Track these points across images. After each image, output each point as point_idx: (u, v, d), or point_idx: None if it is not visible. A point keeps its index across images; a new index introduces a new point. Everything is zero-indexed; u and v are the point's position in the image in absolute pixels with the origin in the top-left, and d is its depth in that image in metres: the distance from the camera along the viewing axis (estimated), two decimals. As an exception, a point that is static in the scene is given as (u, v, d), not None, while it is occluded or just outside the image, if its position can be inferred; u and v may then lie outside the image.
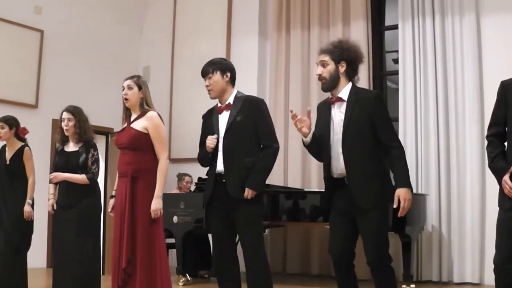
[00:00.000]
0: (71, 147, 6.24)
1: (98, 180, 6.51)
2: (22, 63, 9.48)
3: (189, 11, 10.80)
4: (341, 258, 4.49)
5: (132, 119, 5.49)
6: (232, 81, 5.15)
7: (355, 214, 4.39)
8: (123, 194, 5.36)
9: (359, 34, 9.24)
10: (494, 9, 8.50)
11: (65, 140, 6.30)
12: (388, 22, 9.91)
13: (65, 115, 6.22)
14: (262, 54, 10.22)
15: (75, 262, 6.02)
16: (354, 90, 4.53)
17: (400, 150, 4.43)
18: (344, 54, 4.54)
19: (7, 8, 9.31)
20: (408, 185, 4.37)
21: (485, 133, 8.07)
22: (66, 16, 9.97)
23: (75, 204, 6.09)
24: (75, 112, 6.25)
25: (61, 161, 6.22)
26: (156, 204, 5.25)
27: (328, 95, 4.64)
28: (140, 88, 5.50)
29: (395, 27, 9.30)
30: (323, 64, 4.53)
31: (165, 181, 5.44)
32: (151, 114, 5.46)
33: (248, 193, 4.86)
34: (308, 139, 4.53)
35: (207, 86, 5.07)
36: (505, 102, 4.26)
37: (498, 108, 4.33)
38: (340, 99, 4.49)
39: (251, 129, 5.02)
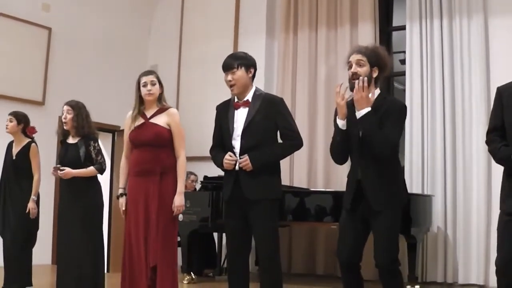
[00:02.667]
0: (71, 139, 6.29)
1: (103, 177, 6.54)
2: (29, 60, 9.50)
3: (197, 11, 10.81)
4: (348, 263, 4.49)
5: (149, 115, 5.47)
6: (254, 77, 5.08)
7: (368, 216, 4.39)
8: (148, 192, 5.35)
9: (366, 34, 9.23)
10: (502, 11, 8.48)
11: (65, 133, 6.34)
12: (395, 23, 9.90)
13: (65, 108, 6.28)
14: (270, 55, 10.23)
15: (80, 259, 6.04)
16: (383, 96, 4.52)
17: None
18: (380, 61, 4.53)
19: (15, 6, 9.34)
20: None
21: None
22: (74, 14, 10.00)
23: (79, 201, 6.11)
24: (75, 106, 6.29)
25: (61, 152, 6.30)
26: (180, 200, 5.29)
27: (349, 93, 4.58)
28: (160, 83, 5.51)
29: (403, 28, 9.28)
30: (359, 64, 4.47)
31: (184, 177, 5.47)
32: (173, 110, 5.51)
33: (245, 161, 4.84)
34: (345, 122, 4.45)
35: (229, 81, 4.94)
36: (501, 107, 4.27)
37: (495, 113, 4.34)
38: None
39: (270, 129, 4.96)
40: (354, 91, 4.33)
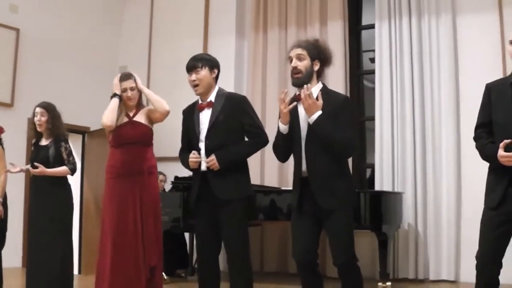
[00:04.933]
0: (43, 141, 6.28)
1: (73, 179, 6.52)
2: (-3, 61, 9.42)
3: (167, 12, 10.78)
4: (305, 262, 4.51)
5: (132, 114, 5.61)
6: (217, 78, 5.12)
7: (319, 214, 4.40)
8: (136, 193, 5.36)
9: (336, 33, 9.27)
10: (470, 10, 8.57)
11: (38, 135, 6.33)
12: (365, 21, 9.94)
13: (38, 110, 6.28)
14: (240, 54, 10.23)
15: (49, 261, 6.01)
16: (325, 91, 4.52)
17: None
18: (321, 53, 4.55)
19: (-18, 7, 9.25)
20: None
21: (461, 132, 8.23)
22: (42, 15, 9.91)
23: (48, 203, 6.08)
24: (49, 108, 6.29)
25: (33, 154, 6.29)
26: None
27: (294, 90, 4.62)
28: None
29: (372, 26, 9.33)
30: (299, 58, 4.50)
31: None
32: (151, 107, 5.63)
33: (211, 160, 4.86)
34: (287, 127, 4.50)
35: (193, 80, 4.98)
36: (489, 103, 4.34)
37: (483, 109, 4.42)
38: None
39: (235, 127, 4.99)
40: (301, 100, 4.35)
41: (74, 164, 6.28)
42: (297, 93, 4.51)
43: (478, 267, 4.24)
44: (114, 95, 5.59)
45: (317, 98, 4.36)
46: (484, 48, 8.38)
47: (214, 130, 4.94)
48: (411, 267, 8.47)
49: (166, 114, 5.55)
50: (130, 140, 5.48)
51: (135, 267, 5.32)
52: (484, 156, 4.36)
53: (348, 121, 4.41)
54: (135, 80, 5.61)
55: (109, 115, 5.52)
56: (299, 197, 4.49)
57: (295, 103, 4.47)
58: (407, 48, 8.81)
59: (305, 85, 4.37)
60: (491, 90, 4.40)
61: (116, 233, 5.40)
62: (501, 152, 4.10)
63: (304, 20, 9.75)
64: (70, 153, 6.29)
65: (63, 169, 6.19)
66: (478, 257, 4.24)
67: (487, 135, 4.33)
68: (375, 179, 8.91)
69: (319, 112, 4.31)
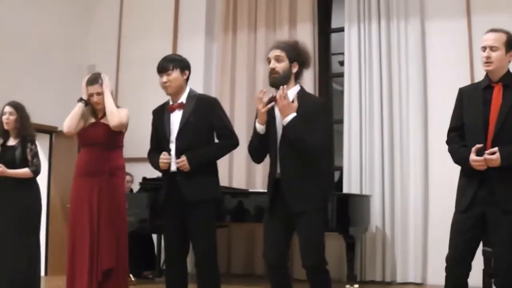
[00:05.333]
0: (11, 142, 6.22)
1: (40, 179, 6.46)
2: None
3: (136, 11, 10.71)
4: (274, 264, 4.48)
5: (100, 115, 5.58)
6: (188, 79, 5.10)
7: (291, 216, 4.39)
8: (94, 193, 5.33)
9: (305, 36, 9.27)
10: (439, 15, 8.65)
11: (5, 135, 6.26)
12: (334, 24, 9.96)
13: (7, 109, 6.22)
14: (209, 55, 10.19)
15: (16, 262, 5.95)
16: (302, 93, 4.52)
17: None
18: (299, 55, 4.54)
19: None
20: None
21: (429, 135, 8.31)
22: (7, 11, 9.76)
23: (14, 204, 6.02)
24: (18, 107, 6.25)
25: (0, 154, 6.21)
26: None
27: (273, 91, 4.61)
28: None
29: (342, 29, 9.36)
30: (278, 59, 4.48)
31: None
32: (123, 109, 5.59)
33: (182, 161, 4.85)
34: (264, 127, 4.48)
35: (164, 82, 4.97)
36: (461, 107, 4.44)
37: (456, 114, 4.52)
38: None
39: (206, 130, 5.00)
40: (277, 100, 4.35)
41: (37, 166, 6.20)
42: (274, 94, 4.50)
43: (447, 269, 4.30)
44: (80, 99, 5.57)
45: (293, 101, 4.36)
46: (452, 53, 8.46)
47: (184, 131, 4.93)
48: (379, 269, 8.51)
49: (117, 128, 5.48)
50: (93, 141, 5.47)
51: (90, 268, 5.28)
52: (456, 160, 4.44)
53: (322, 125, 4.41)
54: (101, 84, 5.55)
55: (68, 122, 5.54)
56: (271, 199, 4.49)
57: (273, 103, 4.46)
58: (376, 52, 8.86)
59: (281, 86, 4.36)
60: (463, 94, 4.50)
61: (73, 233, 5.40)
62: (473, 157, 4.19)
63: (274, 22, 9.75)
64: (35, 155, 6.22)
65: (24, 171, 6.13)
66: (448, 259, 4.30)
67: (459, 139, 4.42)
68: (343, 182, 8.93)
69: (293, 114, 4.30)
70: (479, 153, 4.19)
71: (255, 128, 4.55)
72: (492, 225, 4.22)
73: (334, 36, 10.01)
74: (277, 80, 4.45)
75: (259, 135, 4.53)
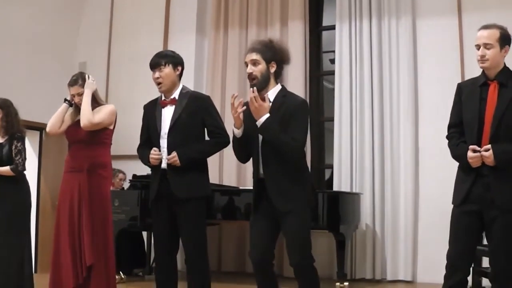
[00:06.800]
0: (0, 139, 6.21)
1: (30, 176, 6.43)
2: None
3: (127, 8, 10.68)
4: (260, 262, 4.49)
5: None
6: (181, 75, 5.11)
7: (276, 215, 4.40)
8: (75, 190, 5.32)
9: (296, 34, 9.28)
10: (430, 13, 8.65)
11: None
12: (325, 22, 9.96)
13: None
14: (200, 53, 10.18)
15: (7, 260, 5.93)
16: (283, 93, 4.52)
17: None
18: (276, 54, 4.53)
19: None
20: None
21: (419, 133, 8.34)
22: (-1, 10, 9.74)
23: (3, 202, 6.00)
24: (3, 105, 6.22)
25: None
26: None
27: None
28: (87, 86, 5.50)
29: (333, 27, 9.35)
30: (254, 63, 4.47)
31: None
32: (107, 106, 5.56)
33: (173, 157, 4.86)
34: (240, 131, 4.49)
35: (157, 78, 4.98)
36: (460, 102, 4.47)
37: (455, 109, 4.55)
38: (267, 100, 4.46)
39: (197, 127, 5.02)
40: (249, 103, 4.34)
41: (17, 164, 6.14)
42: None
43: (449, 265, 4.28)
44: (65, 100, 5.58)
45: (263, 100, 4.35)
46: (443, 51, 8.47)
47: (176, 127, 4.93)
48: (369, 267, 8.52)
49: (86, 128, 5.39)
50: (75, 139, 5.48)
51: (73, 264, 5.27)
52: (454, 155, 4.48)
53: (301, 124, 4.41)
54: (82, 85, 5.51)
55: (51, 121, 5.58)
56: (256, 198, 4.49)
57: (244, 107, 4.44)
58: (367, 50, 8.86)
59: (250, 89, 4.36)
60: (462, 90, 4.52)
61: (57, 228, 5.41)
62: (470, 154, 4.24)
63: (265, 20, 9.74)
64: (18, 152, 6.17)
65: (5, 169, 6.10)
66: (450, 255, 4.31)
67: (458, 135, 4.45)
68: (334, 180, 8.94)
69: (267, 115, 4.30)
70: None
71: (233, 131, 4.56)
72: (488, 223, 4.24)
73: (325, 34, 10.01)
74: (257, 86, 4.43)
75: (237, 139, 4.55)
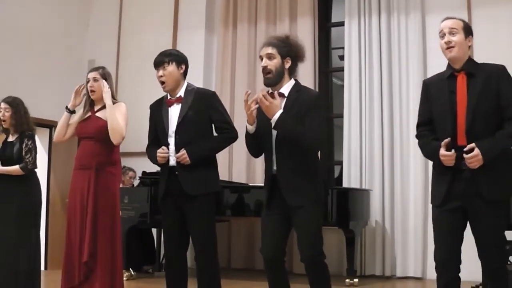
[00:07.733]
0: (10, 137, 6.23)
1: (40, 174, 6.45)
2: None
3: (136, 5, 10.70)
4: (271, 259, 4.48)
5: (96, 109, 5.52)
6: (185, 74, 5.10)
7: (288, 211, 4.39)
8: (84, 186, 5.33)
9: (305, 30, 9.28)
10: (439, 9, 8.60)
11: (7, 131, 6.27)
12: (334, 19, 9.97)
13: (3, 105, 6.21)
14: (209, 49, 10.19)
15: (17, 257, 5.95)
16: (297, 88, 4.51)
17: None
18: (291, 50, 4.52)
19: None
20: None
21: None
22: (9, 7, 9.75)
23: (13, 199, 6.02)
24: (12, 102, 6.22)
25: (1, 150, 6.20)
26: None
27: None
28: (105, 79, 5.47)
29: (342, 24, 9.36)
30: (270, 57, 4.47)
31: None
32: (118, 103, 5.51)
33: (182, 155, 4.85)
34: (253, 127, 4.49)
35: (160, 77, 4.97)
36: (428, 100, 4.36)
37: (423, 107, 4.43)
38: (282, 95, 4.45)
39: (205, 123, 5.00)
40: (259, 102, 4.34)
41: (27, 162, 6.12)
42: (270, 91, 4.47)
43: (438, 267, 4.21)
44: (66, 108, 5.59)
45: (273, 97, 4.34)
46: (453, 47, 8.43)
47: (183, 125, 4.92)
48: (378, 264, 8.53)
49: (120, 143, 5.43)
50: (85, 135, 5.47)
51: (70, 262, 5.30)
52: (426, 154, 4.37)
53: (317, 118, 4.38)
54: (101, 75, 5.51)
55: (56, 131, 5.65)
56: (269, 195, 4.49)
57: (258, 104, 4.44)
58: (376, 46, 8.86)
59: (261, 90, 4.36)
60: (428, 86, 4.41)
61: (68, 225, 5.43)
62: (442, 151, 4.07)
63: (274, 16, 9.74)
64: (28, 151, 6.16)
65: (14, 168, 6.11)
66: (437, 257, 4.20)
67: (429, 133, 4.30)
68: (343, 176, 8.94)
69: (280, 111, 4.29)
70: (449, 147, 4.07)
71: (246, 127, 4.56)
72: (473, 216, 4.09)
73: (334, 31, 10.02)
74: (271, 80, 4.45)
75: (250, 135, 4.55)
